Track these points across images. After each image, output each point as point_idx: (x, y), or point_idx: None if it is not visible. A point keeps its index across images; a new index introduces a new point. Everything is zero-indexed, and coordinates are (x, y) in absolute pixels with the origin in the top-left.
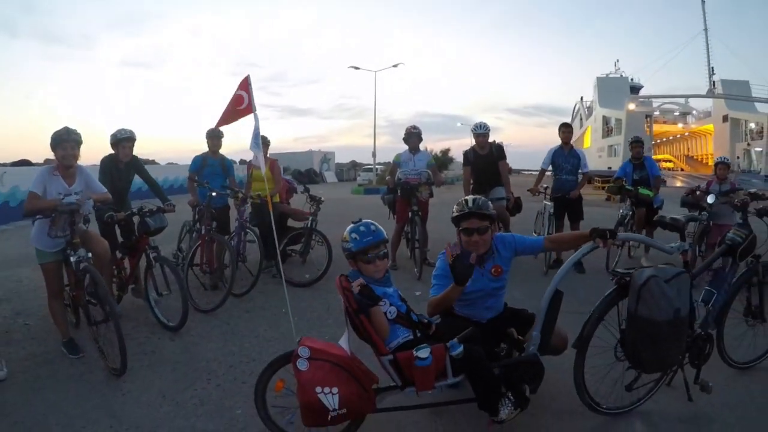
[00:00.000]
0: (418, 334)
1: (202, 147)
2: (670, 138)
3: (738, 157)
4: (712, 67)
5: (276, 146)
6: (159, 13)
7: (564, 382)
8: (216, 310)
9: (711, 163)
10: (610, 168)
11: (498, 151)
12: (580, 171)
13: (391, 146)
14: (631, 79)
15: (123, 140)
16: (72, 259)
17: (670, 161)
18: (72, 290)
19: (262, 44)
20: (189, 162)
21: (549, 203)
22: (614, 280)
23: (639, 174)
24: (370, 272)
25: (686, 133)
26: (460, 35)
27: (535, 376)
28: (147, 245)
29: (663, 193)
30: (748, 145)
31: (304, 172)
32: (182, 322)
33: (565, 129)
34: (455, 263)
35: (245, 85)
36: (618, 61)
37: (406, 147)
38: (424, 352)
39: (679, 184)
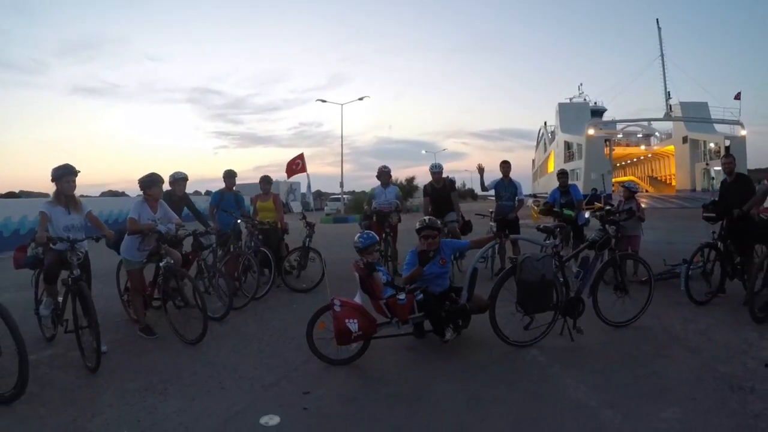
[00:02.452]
0: (398, 293)
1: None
2: (634, 160)
3: (713, 178)
4: (669, 92)
5: (243, 176)
6: (117, 37)
7: (489, 329)
8: (244, 307)
9: (674, 183)
10: None
11: (450, 184)
12: (517, 197)
13: (355, 174)
14: (594, 103)
15: (179, 180)
16: (161, 264)
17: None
18: (146, 289)
19: (221, 71)
20: None
21: (493, 224)
22: (511, 262)
23: (565, 198)
24: (369, 258)
25: (649, 155)
26: (421, 60)
27: (465, 317)
28: (199, 257)
29: None
30: (707, 165)
31: None
32: (227, 312)
33: (504, 165)
34: (421, 254)
35: (302, 156)
36: (581, 84)
37: (375, 180)
38: (401, 295)
39: (642, 205)
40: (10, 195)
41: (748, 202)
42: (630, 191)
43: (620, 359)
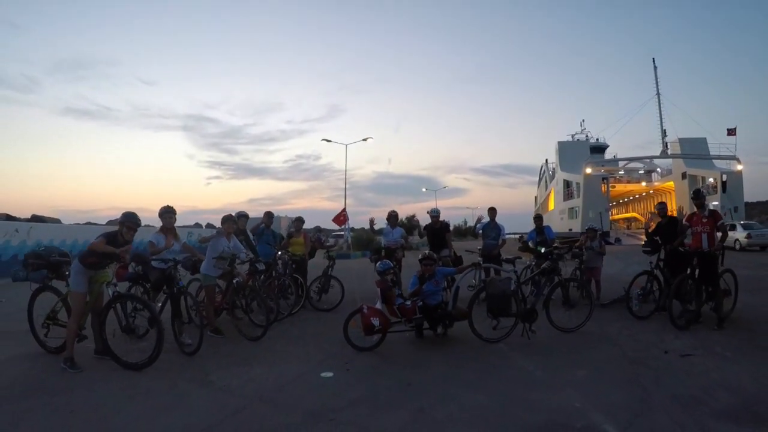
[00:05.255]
0: (405, 301)
1: (141, 204)
2: (636, 196)
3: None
4: (665, 129)
5: (236, 209)
6: (109, 58)
7: (469, 330)
8: (283, 320)
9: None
10: (570, 230)
11: (445, 226)
12: (500, 237)
13: (354, 209)
14: (597, 139)
15: (242, 217)
16: (234, 281)
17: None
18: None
19: (216, 98)
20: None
21: (480, 258)
22: (482, 282)
23: (540, 237)
24: (387, 279)
25: (651, 191)
26: (421, 91)
27: (451, 320)
28: (253, 280)
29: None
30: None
31: None
32: (273, 320)
33: (492, 211)
34: (422, 277)
35: (344, 210)
36: (584, 121)
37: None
38: (408, 302)
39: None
40: (36, 219)
41: (677, 239)
42: (594, 231)
43: (560, 349)
